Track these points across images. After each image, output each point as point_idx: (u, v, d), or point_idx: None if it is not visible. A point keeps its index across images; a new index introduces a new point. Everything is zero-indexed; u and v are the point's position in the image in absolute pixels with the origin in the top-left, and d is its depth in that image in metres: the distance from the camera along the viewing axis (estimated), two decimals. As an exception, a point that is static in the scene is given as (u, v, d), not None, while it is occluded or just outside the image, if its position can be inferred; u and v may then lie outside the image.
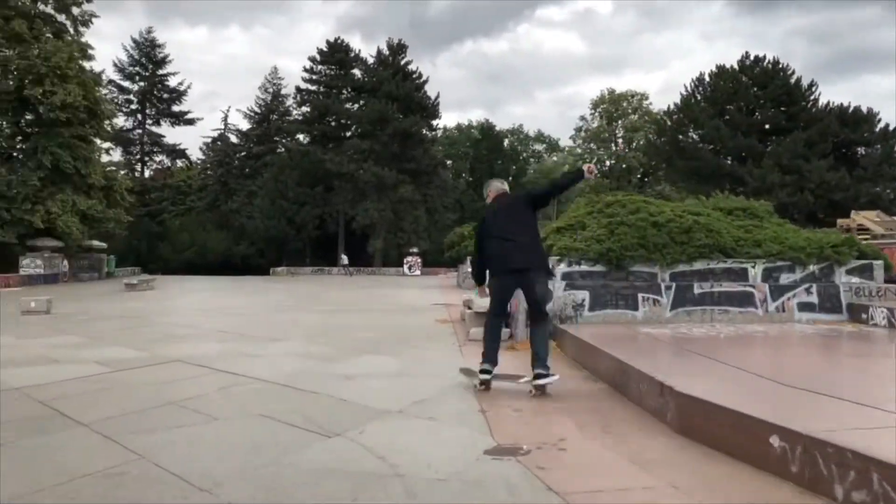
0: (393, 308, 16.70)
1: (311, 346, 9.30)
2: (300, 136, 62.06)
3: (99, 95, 37.29)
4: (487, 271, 6.26)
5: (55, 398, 5.83)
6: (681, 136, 56.27)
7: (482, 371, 6.09)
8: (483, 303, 10.20)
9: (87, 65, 36.59)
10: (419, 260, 51.24)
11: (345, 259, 50.11)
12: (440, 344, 9.53)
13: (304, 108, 61.98)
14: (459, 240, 28.95)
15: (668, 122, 58.09)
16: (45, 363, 7.86)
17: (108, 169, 41.23)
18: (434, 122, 61.73)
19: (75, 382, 6.56)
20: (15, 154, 36.90)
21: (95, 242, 40.08)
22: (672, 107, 57.68)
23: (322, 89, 61.09)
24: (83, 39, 37.34)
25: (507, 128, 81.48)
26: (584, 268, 9.96)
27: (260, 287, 28.83)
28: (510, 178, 69.96)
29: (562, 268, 10.08)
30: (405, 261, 51.04)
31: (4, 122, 35.44)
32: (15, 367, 7.50)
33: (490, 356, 6.14)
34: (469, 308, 11.21)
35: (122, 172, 62.61)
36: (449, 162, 71.38)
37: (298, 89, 61.90)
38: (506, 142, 78.37)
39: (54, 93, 33.24)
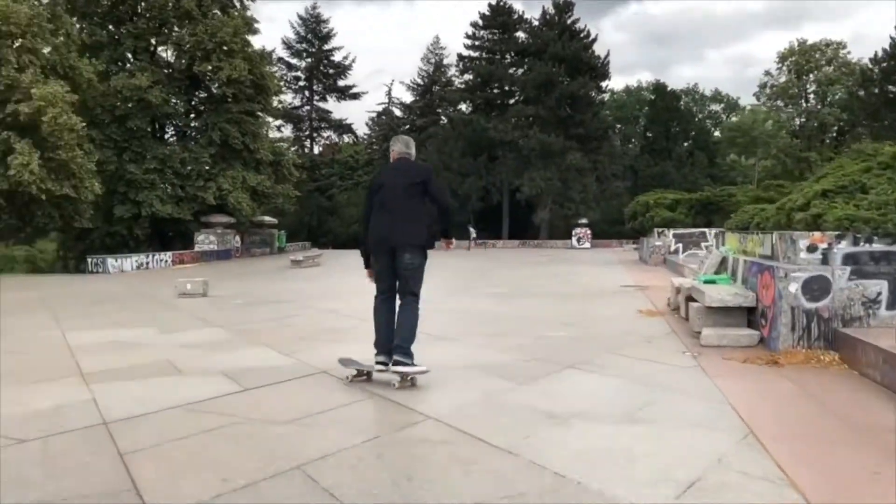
0: (576, 291, 14.10)
1: (489, 350, 7.03)
2: (462, 106, 60.25)
3: (265, 70, 37.11)
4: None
5: (137, 450, 3.91)
6: (891, 87, 48.92)
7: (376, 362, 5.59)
8: (720, 296, 7.48)
9: (253, 39, 36.45)
10: (588, 232, 48.02)
11: (473, 232, 47.97)
12: (662, 352, 6.88)
13: (467, 76, 60.01)
14: (643, 209, 25.74)
15: (875, 72, 50.65)
16: (165, 373, 6.12)
17: (276, 144, 41.30)
18: (603, 84, 57.71)
19: (181, 416, 4.65)
20: (188, 132, 37.65)
21: (267, 218, 40.48)
22: (880, 53, 50.23)
23: (485, 55, 58.81)
24: (248, 14, 37.16)
25: (679, 88, 75.44)
26: (878, 247, 6.84)
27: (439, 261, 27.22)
28: (688, 142, 64.56)
29: (842, 247, 7.05)
30: (574, 233, 47.99)
31: (179, 101, 36.02)
32: (124, 381, 5.80)
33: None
34: (692, 300, 8.43)
35: (293, 149, 64.39)
36: (618, 126, 67.03)
37: (460, 57, 60.02)
38: (680, 102, 72.43)
39: (221, 68, 33.28)
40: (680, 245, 22.10)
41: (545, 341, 7.59)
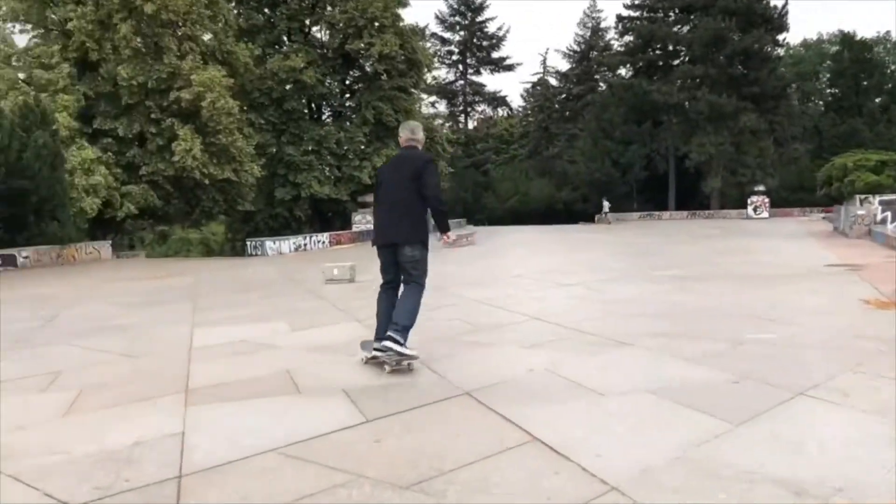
0: (766, 272, 11.80)
1: (671, 360, 5.32)
2: (622, 71, 56.98)
3: (417, 44, 36.36)
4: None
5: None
6: None
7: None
8: None
9: (403, 13, 35.75)
10: (766, 200, 43.70)
11: (606, 206, 44.75)
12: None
13: (627, 38, 56.50)
14: (841, 173, 22.32)
15: None
16: (278, 392, 4.97)
17: (429, 120, 40.61)
18: (780, 37, 52.26)
19: (273, 468, 3.44)
20: (343, 112, 37.73)
21: (420, 195, 40.09)
22: None
23: (646, 14, 55.06)
24: (398, -15, 36.51)
25: (869, 37, 67.17)
26: None
27: (583, 239, 25.36)
28: (882, 96, 57.34)
29: None
30: (749, 201, 43.79)
31: (333, 80, 36.09)
32: (229, 403, 4.71)
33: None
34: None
35: (447, 125, 63.98)
36: (794, 85, 60.67)
37: (619, 18, 56.55)
38: (871, 53, 64.44)
39: (372, 44, 32.84)
40: (888, 213, 18.82)
41: (748, 348, 5.76)
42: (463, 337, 6.83)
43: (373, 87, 34.58)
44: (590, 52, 64.33)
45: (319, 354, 6.29)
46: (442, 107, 65.46)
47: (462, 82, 66.47)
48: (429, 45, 65.82)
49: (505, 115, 70.32)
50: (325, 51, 35.50)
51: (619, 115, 49.59)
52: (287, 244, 25.76)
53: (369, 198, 34.44)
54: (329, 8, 35.02)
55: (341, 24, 33.81)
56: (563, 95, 66.19)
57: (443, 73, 64.84)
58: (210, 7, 28.91)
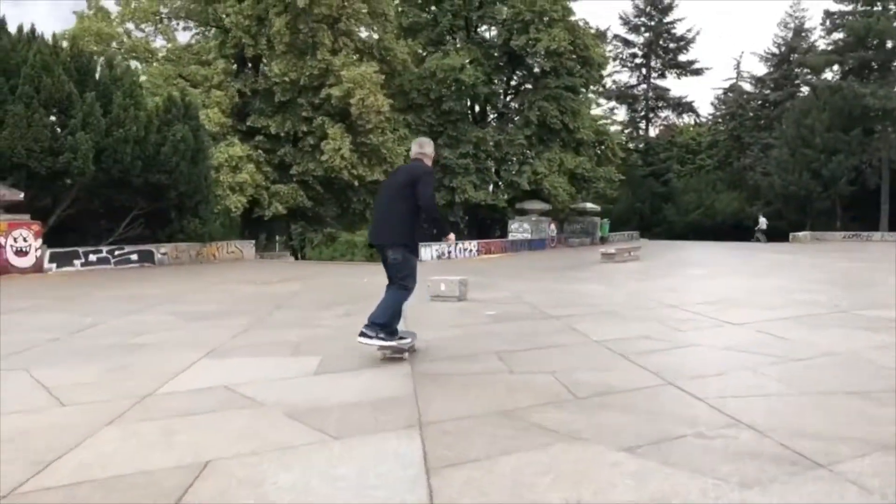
0: None
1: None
2: (829, 74, 50.01)
3: (588, 40, 33.32)
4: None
5: None
6: None
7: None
8: None
9: (575, 6, 32.88)
10: None
11: (762, 223, 38.25)
12: None
13: (836, 35, 49.53)
14: None
15: None
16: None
17: (599, 122, 37.26)
18: None
19: None
20: (505, 113, 35.43)
21: (588, 205, 36.85)
22: None
23: (860, 8, 47.99)
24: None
25: None
26: None
27: (772, 260, 21.20)
28: None
29: None
30: None
31: (495, 79, 33.85)
32: None
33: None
34: None
35: (627, 131, 59.98)
36: None
37: (827, 13, 49.77)
38: None
39: (539, 40, 30.24)
40: None
41: None
42: (536, 414, 4.15)
43: (538, 86, 32.02)
44: (790, 55, 57.82)
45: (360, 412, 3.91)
46: (622, 113, 61.48)
47: (644, 86, 61.99)
48: (610, 47, 62.42)
49: (692, 122, 64.98)
50: (489, 49, 33.34)
51: (823, 121, 43.13)
52: (429, 251, 23.81)
53: (528, 204, 31.95)
54: (497, 4, 32.90)
55: (505, 19, 31.56)
56: (759, 102, 59.99)
57: (624, 77, 61.01)
58: (368, 2, 27.76)
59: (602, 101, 55.94)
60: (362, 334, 5.75)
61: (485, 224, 34.88)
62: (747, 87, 61.79)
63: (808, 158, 42.69)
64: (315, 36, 25.82)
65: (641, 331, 7.57)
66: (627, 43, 61.33)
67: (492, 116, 35.50)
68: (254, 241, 25.35)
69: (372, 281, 15.83)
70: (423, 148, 6.12)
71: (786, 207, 44.97)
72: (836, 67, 48.26)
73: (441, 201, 32.00)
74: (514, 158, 31.80)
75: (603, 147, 34.99)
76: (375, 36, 29.21)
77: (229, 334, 7.65)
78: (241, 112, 27.06)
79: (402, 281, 5.88)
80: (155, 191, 20.70)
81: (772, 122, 56.49)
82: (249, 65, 27.89)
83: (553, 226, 32.85)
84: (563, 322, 8.44)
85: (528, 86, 33.00)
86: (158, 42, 27.39)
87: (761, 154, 55.16)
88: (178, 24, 28.08)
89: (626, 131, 61.87)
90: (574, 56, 32.03)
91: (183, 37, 28.67)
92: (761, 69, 60.19)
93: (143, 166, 19.62)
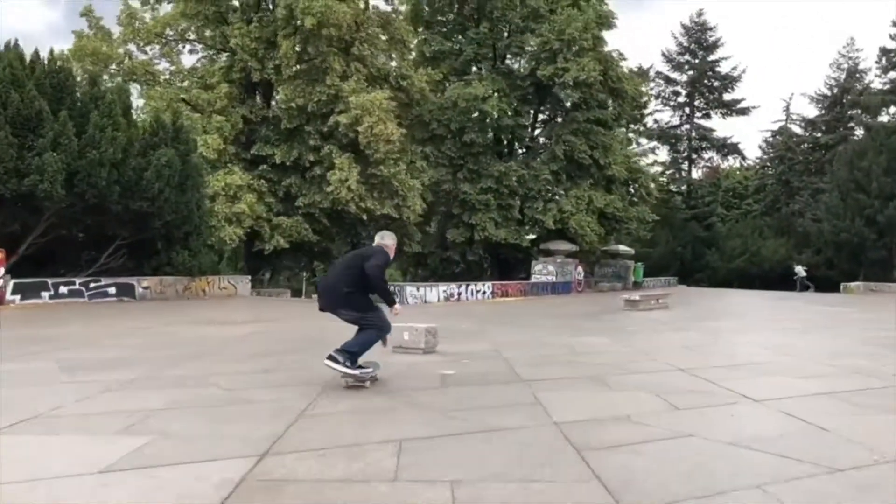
0: None
1: None
2: (885, 117, 46.95)
3: (621, 72, 31.29)
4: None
5: None
6: None
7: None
8: None
9: (607, 35, 30.89)
10: None
11: (801, 271, 35.24)
12: None
13: (892, 74, 46.83)
14: None
15: None
16: None
17: (633, 160, 34.94)
18: None
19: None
20: (531, 147, 33.42)
21: (622, 247, 34.50)
22: None
23: (920, 45, 45.27)
24: (605, 7, 31.56)
25: None
26: None
27: (821, 314, 18.58)
28: None
29: None
30: None
31: (520, 110, 31.90)
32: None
33: None
34: None
35: (668, 171, 57.49)
36: None
37: (884, 51, 47.05)
38: None
39: (567, 69, 28.28)
40: None
41: None
42: None
43: (566, 119, 30.11)
44: (843, 97, 54.93)
45: None
46: (664, 153, 58.89)
47: (688, 126, 59.40)
48: (652, 84, 60.11)
49: (738, 164, 62.22)
50: (516, 80, 31.50)
51: (880, 163, 40.11)
52: (435, 292, 21.77)
53: (553, 244, 29.81)
54: (525, 33, 31.15)
55: (533, 48, 29.80)
56: (809, 145, 57.11)
57: (666, 116, 58.64)
58: (386, 28, 26.24)
59: (644, 140, 53.85)
60: (331, 357, 6.08)
61: (508, 264, 32.74)
62: (797, 129, 59.00)
63: (861, 204, 39.59)
64: (325, 61, 24.32)
65: (624, 407, 5.51)
66: (670, 81, 59.02)
67: (518, 151, 33.56)
68: (250, 277, 23.59)
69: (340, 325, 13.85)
70: (383, 239, 6.58)
71: (837, 256, 41.71)
72: (892, 109, 45.33)
73: (459, 238, 30.07)
74: (540, 195, 29.70)
75: (637, 185, 32.71)
76: (393, 63, 27.63)
77: (83, 394, 5.97)
78: (247, 139, 25.60)
79: (373, 326, 6.33)
80: (138, 219, 19.14)
81: (822, 166, 53.69)
82: (257, 91, 26.48)
83: (580, 268, 30.54)
84: (529, 390, 6.40)
85: (557, 119, 31.03)
86: (163, 65, 26.22)
87: (811, 200, 52.34)
88: (184, 46, 26.91)
89: (668, 172, 59.23)
90: (606, 88, 30.04)
91: (189, 60, 27.54)
92: (812, 111, 57.47)
93: (122, 192, 18.07)
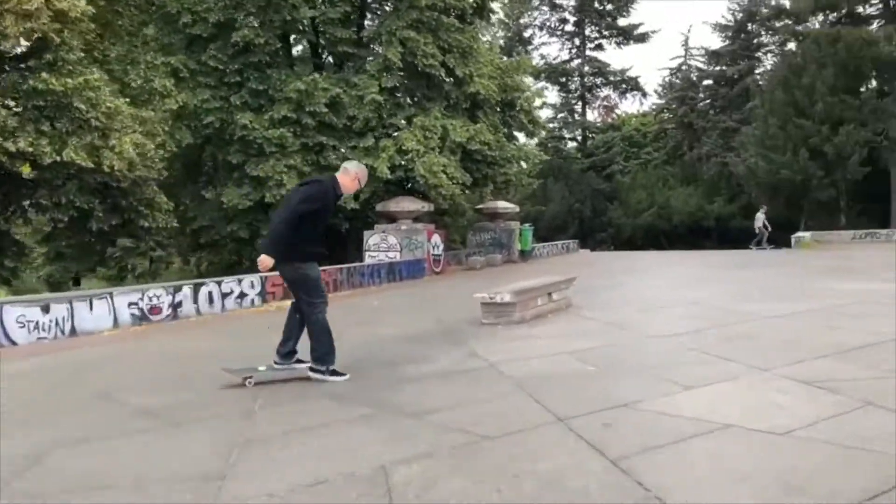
0: None
1: None
2: (812, 21, 38.06)
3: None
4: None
5: None
6: None
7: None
8: None
9: None
10: None
11: (759, 219, 27.24)
12: None
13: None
14: None
15: None
16: None
17: (508, 73, 24.28)
18: None
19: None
20: (349, 53, 22.37)
21: (500, 204, 24.20)
22: None
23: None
24: None
25: None
26: None
27: (781, 273, 8.90)
28: None
29: None
30: None
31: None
32: None
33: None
34: None
35: (560, 115, 48.78)
36: None
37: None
38: None
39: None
40: None
41: None
42: None
43: (401, 7, 19.30)
44: (748, 24, 47.82)
45: None
46: (553, 95, 49.43)
47: (579, 60, 50.14)
48: (536, 14, 50.66)
49: (637, 104, 54.02)
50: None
51: (825, 80, 31.29)
52: (119, 300, 10.72)
53: (396, 203, 19.46)
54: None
55: None
56: (711, 80, 49.60)
57: (553, 50, 49.34)
58: None
59: (529, 78, 44.07)
60: (312, 370, 5.70)
61: (338, 238, 21.93)
62: (699, 63, 51.23)
63: (803, 133, 30.88)
64: None
65: None
66: (555, 7, 49.48)
67: (328, 60, 22.48)
68: None
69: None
70: (346, 171, 5.82)
71: (770, 200, 32.72)
72: (826, 13, 36.82)
73: (243, 202, 19.01)
74: (366, 125, 19.02)
75: (515, 110, 22.46)
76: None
77: None
78: None
79: (309, 304, 5.62)
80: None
81: (730, 101, 47.11)
82: None
83: (437, 237, 20.12)
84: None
85: (387, 7, 20.28)
86: None
87: (720, 139, 45.51)
88: None
89: (560, 116, 50.15)
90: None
91: None
92: (715, 41, 51.16)
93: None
